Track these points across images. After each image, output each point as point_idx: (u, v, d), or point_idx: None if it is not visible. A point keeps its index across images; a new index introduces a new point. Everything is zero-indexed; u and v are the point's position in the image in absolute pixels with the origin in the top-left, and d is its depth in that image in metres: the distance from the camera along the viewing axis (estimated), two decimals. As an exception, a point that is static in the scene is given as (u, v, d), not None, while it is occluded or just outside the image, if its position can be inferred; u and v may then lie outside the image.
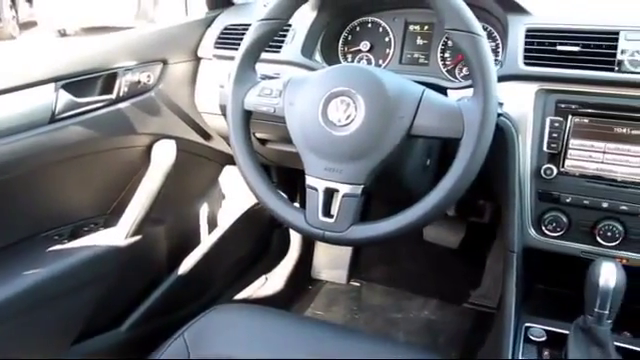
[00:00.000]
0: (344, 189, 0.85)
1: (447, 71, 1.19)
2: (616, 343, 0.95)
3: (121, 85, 1.23)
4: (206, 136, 1.47)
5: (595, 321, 0.87)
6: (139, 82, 1.27)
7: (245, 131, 0.97)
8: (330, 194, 0.87)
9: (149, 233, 1.36)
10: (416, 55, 1.23)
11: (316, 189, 0.87)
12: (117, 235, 1.29)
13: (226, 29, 1.35)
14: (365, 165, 0.85)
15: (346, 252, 1.96)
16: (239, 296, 1.73)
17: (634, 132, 0.93)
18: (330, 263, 2.00)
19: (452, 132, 0.81)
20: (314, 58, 1.24)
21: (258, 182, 0.95)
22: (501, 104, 0.89)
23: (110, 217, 1.34)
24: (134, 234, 1.31)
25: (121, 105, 1.24)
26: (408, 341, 1.68)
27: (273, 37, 0.97)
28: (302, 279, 1.96)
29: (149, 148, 1.34)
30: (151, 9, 5.86)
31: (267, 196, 0.94)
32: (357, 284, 1.97)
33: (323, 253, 1.99)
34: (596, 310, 0.86)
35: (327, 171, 0.87)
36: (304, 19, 1.23)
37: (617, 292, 0.85)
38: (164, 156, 1.33)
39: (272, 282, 1.85)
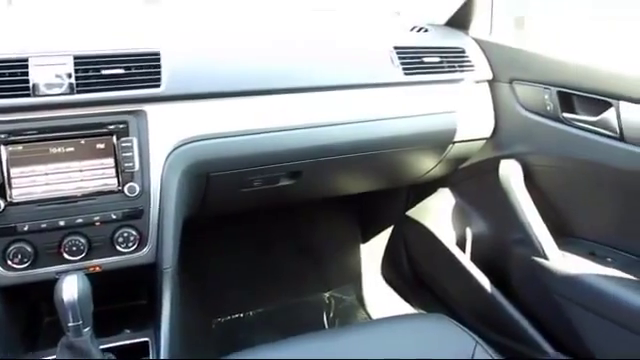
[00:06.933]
0: None
1: None
2: (108, 345, 1.01)
3: None
4: None
5: (74, 334, 0.90)
6: None
7: None
8: None
9: None
10: None
11: None
12: None
13: None
14: None
15: None
16: None
17: (68, 149, 0.99)
18: None
19: None
20: None
21: None
22: None
23: None
24: None
25: None
26: None
27: None
28: None
29: None
30: None
31: None
32: None
33: None
34: (70, 325, 0.89)
35: None
36: None
37: (83, 301, 0.89)
38: None
39: None
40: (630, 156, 1.05)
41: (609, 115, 1.08)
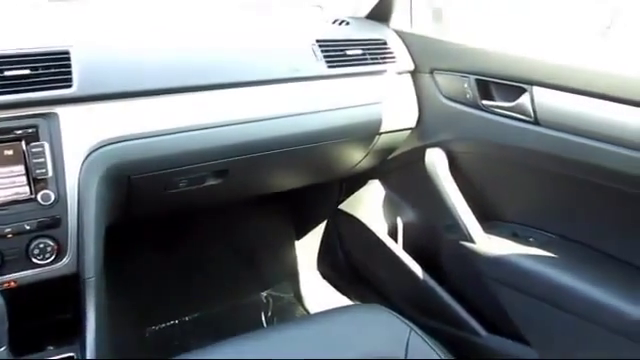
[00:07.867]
0: None
1: None
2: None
3: None
4: None
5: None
6: None
7: None
8: None
9: None
10: None
11: None
12: None
13: None
14: None
15: None
16: None
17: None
18: None
19: None
20: None
21: None
22: None
23: None
24: None
25: None
26: None
27: None
28: None
29: None
30: None
31: None
32: None
33: None
34: None
35: None
36: None
37: None
38: None
39: None
40: (543, 138, 1.09)
41: (524, 100, 1.12)
